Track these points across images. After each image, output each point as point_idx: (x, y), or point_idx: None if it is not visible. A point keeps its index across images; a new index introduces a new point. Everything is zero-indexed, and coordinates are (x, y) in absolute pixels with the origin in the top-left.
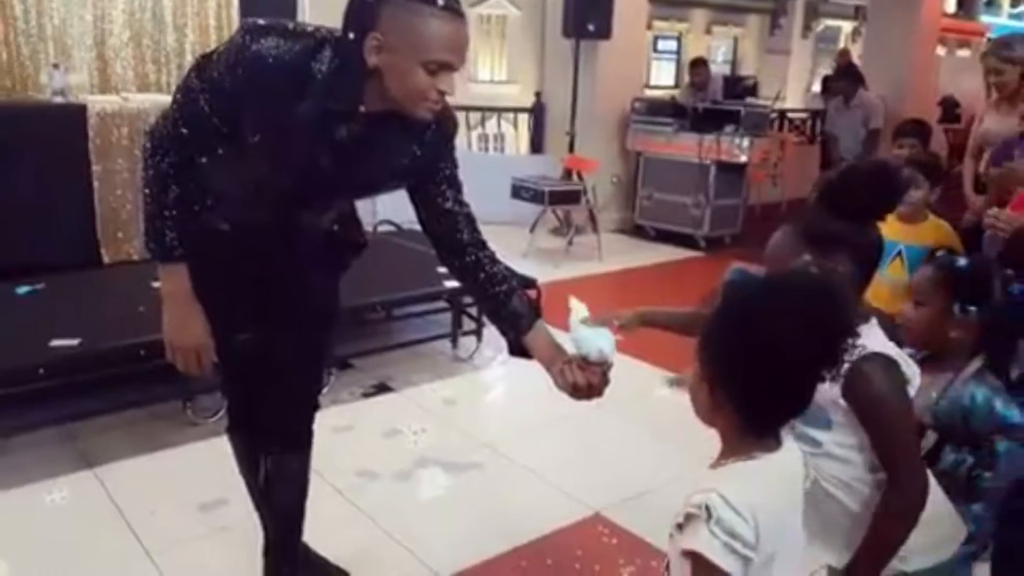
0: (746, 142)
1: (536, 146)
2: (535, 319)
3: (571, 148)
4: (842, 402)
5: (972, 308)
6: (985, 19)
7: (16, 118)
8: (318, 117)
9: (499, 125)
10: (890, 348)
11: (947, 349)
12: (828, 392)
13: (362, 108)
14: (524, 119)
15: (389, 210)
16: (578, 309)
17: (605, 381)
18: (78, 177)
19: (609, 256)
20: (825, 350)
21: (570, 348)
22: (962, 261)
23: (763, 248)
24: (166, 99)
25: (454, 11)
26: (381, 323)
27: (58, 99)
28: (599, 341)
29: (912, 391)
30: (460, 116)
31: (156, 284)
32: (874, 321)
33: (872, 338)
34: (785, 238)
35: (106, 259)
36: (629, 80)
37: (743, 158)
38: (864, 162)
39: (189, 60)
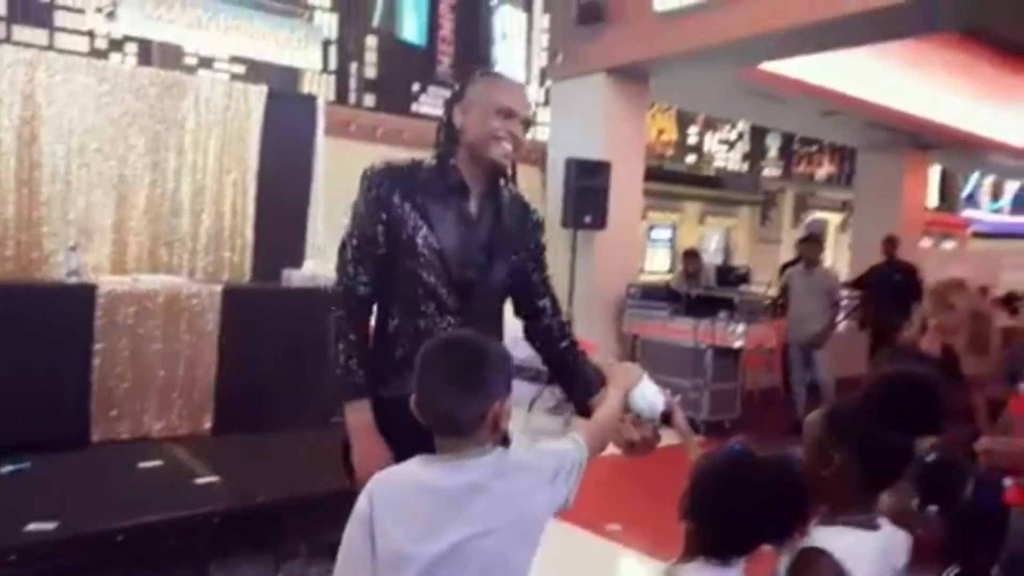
0: (741, 327)
1: None
2: (602, 386)
3: None
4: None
5: (932, 507)
6: (967, 213)
7: (28, 296)
8: (440, 197)
9: None
10: (861, 558)
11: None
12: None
13: (452, 161)
14: None
15: None
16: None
17: (656, 437)
18: (80, 355)
19: None
20: (767, 519)
21: None
22: (930, 456)
23: (763, 432)
24: (176, 280)
25: (514, 81)
26: None
27: (72, 279)
28: (649, 397)
29: None
30: None
31: (142, 465)
32: (872, 533)
33: (843, 538)
34: (815, 417)
35: (94, 438)
36: (624, 267)
37: (738, 343)
38: (915, 374)
39: (203, 243)
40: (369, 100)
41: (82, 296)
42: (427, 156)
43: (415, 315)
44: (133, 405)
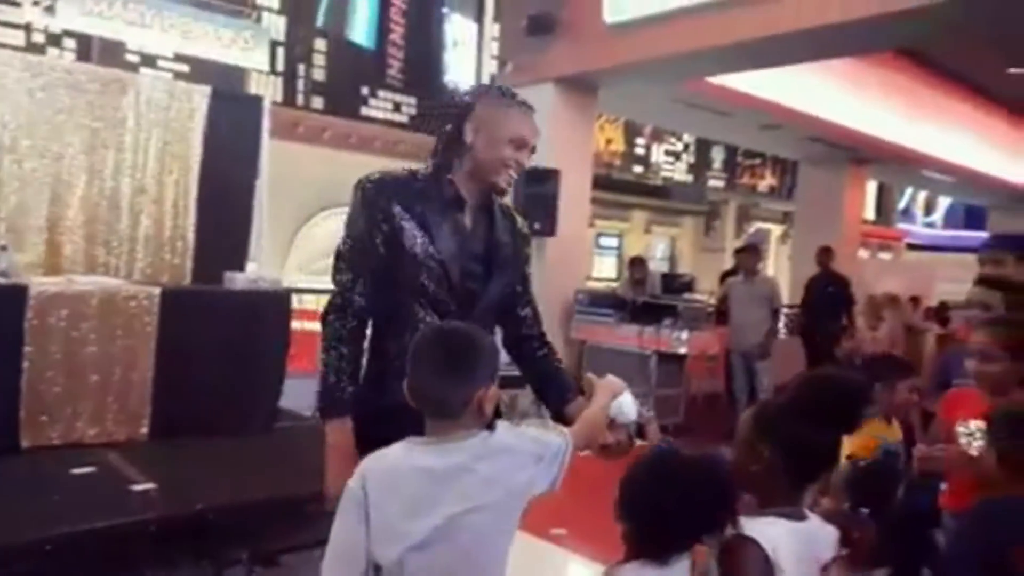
0: (684, 334)
1: None
2: (578, 394)
3: None
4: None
5: (864, 510)
6: (901, 226)
7: None
8: (437, 207)
9: None
10: (787, 546)
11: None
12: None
13: (449, 176)
14: None
15: None
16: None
17: (631, 442)
18: (9, 358)
19: None
20: (695, 515)
21: None
22: (863, 461)
23: (706, 437)
24: (112, 282)
25: (529, 107)
26: (314, 515)
27: (1, 280)
28: (626, 407)
29: None
30: None
31: (75, 471)
32: (798, 523)
33: (770, 527)
34: (746, 416)
35: (24, 443)
36: (572, 273)
37: (682, 349)
38: (839, 375)
39: (142, 244)
40: (317, 103)
41: (12, 297)
42: (419, 165)
43: (416, 324)
44: (66, 410)
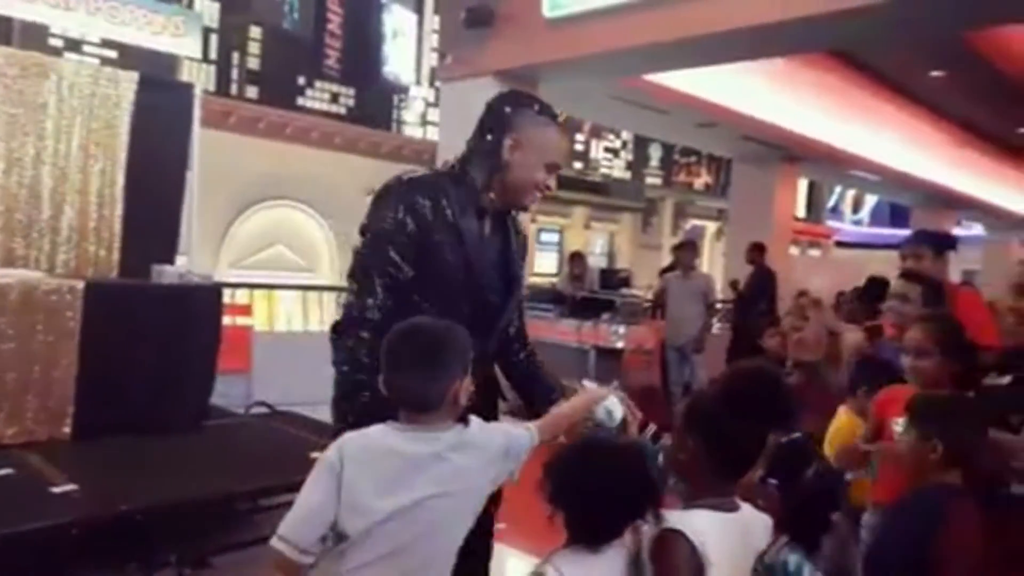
0: (621, 329)
1: None
2: (561, 394)
3: None
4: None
5: (773, 481)
6: (830, 223)
7: None
8: (465, 213)
9: None
10: (716, 537)
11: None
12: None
13: (491, 195)
14: None
15: (263, 391)
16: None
17: None
18: None
19: None
20: (620, 503)
21: None
22: (783, 439)
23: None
24: (33, 274)
25: (563, 127)
26: (247, 514)
27: None
28: (609, 409)
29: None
30: None
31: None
32: (727, 514)
33: (698, 519)
34: (679, 409)
35: None
36: None
37: (619, 344)
38: (764, 369)
39: (64, 236)
40: (251, 92)
41: None
42: (437, 167)
43: None
44: None
